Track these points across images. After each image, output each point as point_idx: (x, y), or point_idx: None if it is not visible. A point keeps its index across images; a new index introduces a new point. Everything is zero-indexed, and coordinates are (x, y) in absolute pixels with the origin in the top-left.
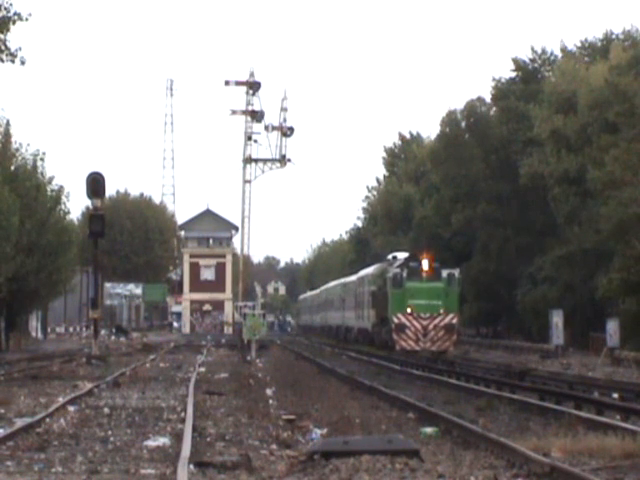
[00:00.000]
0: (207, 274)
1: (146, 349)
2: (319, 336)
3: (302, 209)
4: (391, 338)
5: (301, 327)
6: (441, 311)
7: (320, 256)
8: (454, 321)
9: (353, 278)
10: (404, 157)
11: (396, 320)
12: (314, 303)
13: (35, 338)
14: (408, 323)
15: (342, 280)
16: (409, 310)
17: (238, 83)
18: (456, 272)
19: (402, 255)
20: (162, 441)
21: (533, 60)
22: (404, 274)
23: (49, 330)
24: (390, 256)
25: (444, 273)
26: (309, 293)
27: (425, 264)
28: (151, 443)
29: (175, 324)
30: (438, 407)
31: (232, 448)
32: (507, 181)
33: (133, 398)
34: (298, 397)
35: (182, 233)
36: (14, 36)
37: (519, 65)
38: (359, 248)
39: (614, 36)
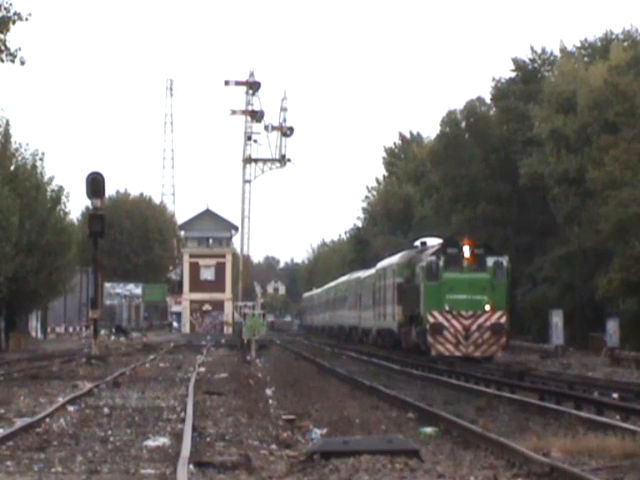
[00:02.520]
0: (207, 274)
1: (146, 349)
2: (328, 338)
3: (302, 209)
4: (425, 341)
5: (306, 328)
6: (486, 308)
7: (320, 256)
8: (502, 320)
9: (372, 271)
10: (404, 157)
11: (431, 319)
12: (321, 301)
13: (35, 338)
14: (446, 323)
15: (357, 274)
16: (447, 307)
17: (238, 83)
18: (504, 260)
19: (433, 241)
20: (162, 441)
21: (533, 60)
22: (440, 263)
23: (49, 330)
24: (418, 242)
25: (489, 261)
26: (315, 291)
27: (466, 250)
28: (151, 443)
29: (175, 324)
30: (438, 407)
31: (232, 448)
32: (507, 181)
33: (133, 398)
34: (298, 397)
35: (182, 233)
36: (14, 36)
37: (519, 65)
38: (359, 248)
39: (614, 36)
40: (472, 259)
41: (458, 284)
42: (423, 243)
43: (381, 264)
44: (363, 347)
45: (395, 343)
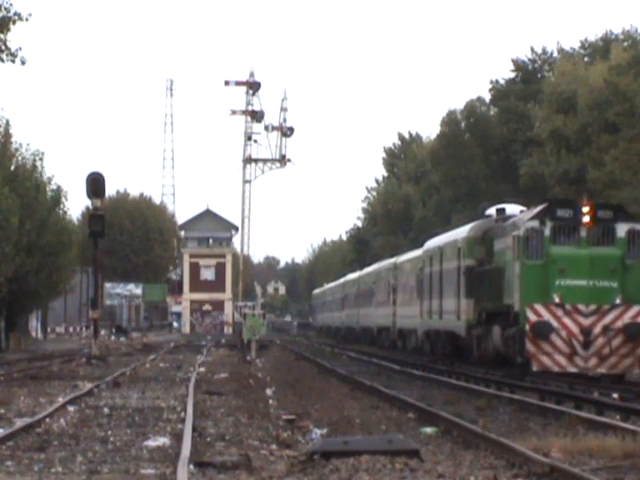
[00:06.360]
0: (207, 274)
1: (146, 349)
2: (345, 341)
3: (302, 209)
4: (521, 350)
5: (316, 329)
6: (617, 300)
7: (320, 256)
8: None
9: (415, 253)
10: (404, 157)
11: (532, 316)
12: (336, 298)
13: (35, 338)
14: (556, 322)
15: (389, 261)
16: (557, 298)
17: (238, 83)
18: None
19: (513, 208)
20: (162, 441)
21: (533, 60)
22: (546, 231)
23: (49, 330)
24: (492, 209)
25: (621, 229)
26: (328, 285)
27: (587, 213)
28: (151, 443)
29: (175, 324)
30: (438, 407)
31: (232, 448)
32: (507, 181)
33: (133, 398)
34: (298, 397)
35: (182, 233)
36: (14, 36)
37: (518, 66)
38: (359, 248)
39: (614, 36)
40: (595, 225)
41: (574, 263)
42: (501, 210)
43: (432, 242)
44: (397, 354)
45: (459, 351)
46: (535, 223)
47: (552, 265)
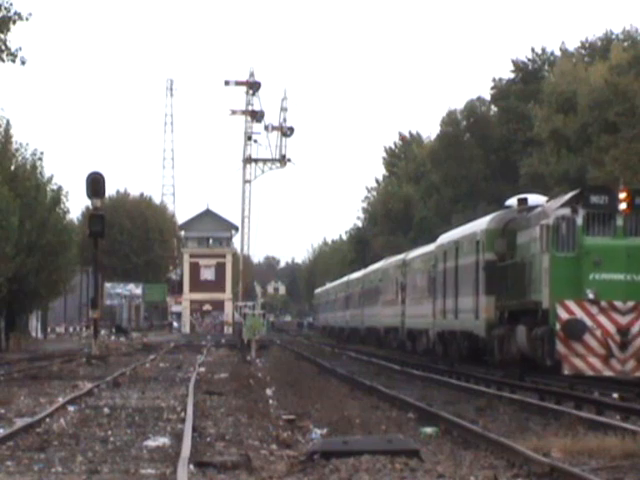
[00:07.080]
0: (207, 274)
1: (146, 349)
2: (350, 341)
3: (302, 209)
4: (551, 351)
5: (318, 329)
6: None
7: (320, 256)
8: None
9: (427, 248)
10: (404, 157)
11: (563, 314)
12: (339, 296)
13: (35, 338)
14: (589, 321)
15: (397, 257)
16: (590, 294)
17: (238, 83)
18: None
19: (536, 198)
20: (162, 441)
21: (533, 60)
22: (578, 220)
23: (49, 330)
24: (513, 200)
25: None
26: (331, 284)
27: (623, 200)
28: (151, 443)
29: (175, 324)
30: (438, 407)
31: (232, 448)
32: (507, 181)
33: (133, 398)
34: (298, 397)
35: (182, 233)
36: (14, 36)
37: (518, 67)
38: (359, 248)
39: (614, 36)
40: (632, 213)
41: (609, 256)
42: (523, 200)
43: (446, 236)
44: (403, 355)
45: (477, 353)
46: (566, 211)
47: (585, 257)
